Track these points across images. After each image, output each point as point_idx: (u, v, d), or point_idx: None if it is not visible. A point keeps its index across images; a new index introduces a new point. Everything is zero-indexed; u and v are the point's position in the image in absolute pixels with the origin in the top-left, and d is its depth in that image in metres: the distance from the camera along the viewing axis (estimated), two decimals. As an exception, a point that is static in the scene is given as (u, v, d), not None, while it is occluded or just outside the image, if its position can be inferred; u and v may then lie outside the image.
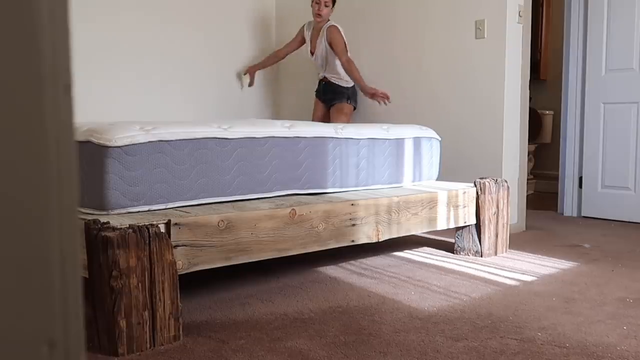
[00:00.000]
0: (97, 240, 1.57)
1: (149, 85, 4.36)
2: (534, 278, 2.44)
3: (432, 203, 2.65)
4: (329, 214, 2.22)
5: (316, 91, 4.27)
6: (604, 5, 3.95)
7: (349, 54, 4.00)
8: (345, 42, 3.99)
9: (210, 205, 2.10)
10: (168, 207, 2.02)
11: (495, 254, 2.88)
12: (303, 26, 4.25)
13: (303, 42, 4.25)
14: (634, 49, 3.83)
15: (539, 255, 2.89)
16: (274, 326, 1.83)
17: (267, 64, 4.58)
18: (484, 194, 2.83)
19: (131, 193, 1.91)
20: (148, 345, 1.62)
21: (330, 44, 3.99)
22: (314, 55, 4.12)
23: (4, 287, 0.37)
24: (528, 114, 3.68)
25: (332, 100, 4.14)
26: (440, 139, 3.15)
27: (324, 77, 4.17)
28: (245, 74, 4.70)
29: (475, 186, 2.86)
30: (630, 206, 3.88)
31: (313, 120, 4.24)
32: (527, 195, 3.99)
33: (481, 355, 1.60)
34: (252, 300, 2.10)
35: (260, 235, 1.99)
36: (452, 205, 2.74)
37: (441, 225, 2.71)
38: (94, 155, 1.89)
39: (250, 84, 4.65)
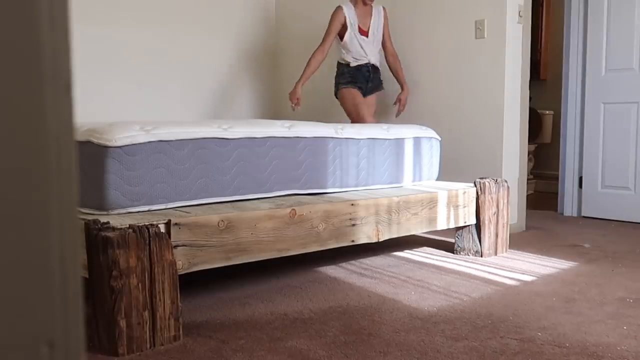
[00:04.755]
0: (97, 240, 1.57)
1: (149, 85, 4.36)
2: (534, 278, 2.44)
3: (432, 203, 2.65)
4: (329, 214, 2.22)
5: (350, 81, 3.68)
6: (604, 5, 3.95)
7: None
8: None
9: (210, 205, 2.10)
10: (168, 207, 2.02)
11: (495, 254, 2.88)
12: (338, 9, 3.60)
13: (344, 27, 3.61)
14: (634, 49, 3.83)
15: (539, 255, 2.89)
16: (274, 326, 1.83)
17: (314, 67, 3.62)
18: (484, 194, 2.83)
19: (131, 193, 1.91)
20: (148, 345, 1.62)
21: (383, 27, 3.71)
22: (368, 37, 3.66)
23: (4, 287, 0.37)
24: (528, 114, 3.68)
25: (372, 90, 3.78)
26: (440, 139, 3.15)
27: (368, 63, 3.69)
28: (294, 96, 3.65)
29: (475, 186, 2.86)
30: (630, 206, 3.88)
31: (364, 114, 3.62)
32: (527, 195, 3.99)
33: (481, 355, 1.60)
34: (252, 300, 2.10)
35: (260, 235, 1.99)
36: (452, 205, 2.74)
37: (441, 225, 2.71)
38: (94, 155, 1.89)
39: (297, 105, 3.67)
